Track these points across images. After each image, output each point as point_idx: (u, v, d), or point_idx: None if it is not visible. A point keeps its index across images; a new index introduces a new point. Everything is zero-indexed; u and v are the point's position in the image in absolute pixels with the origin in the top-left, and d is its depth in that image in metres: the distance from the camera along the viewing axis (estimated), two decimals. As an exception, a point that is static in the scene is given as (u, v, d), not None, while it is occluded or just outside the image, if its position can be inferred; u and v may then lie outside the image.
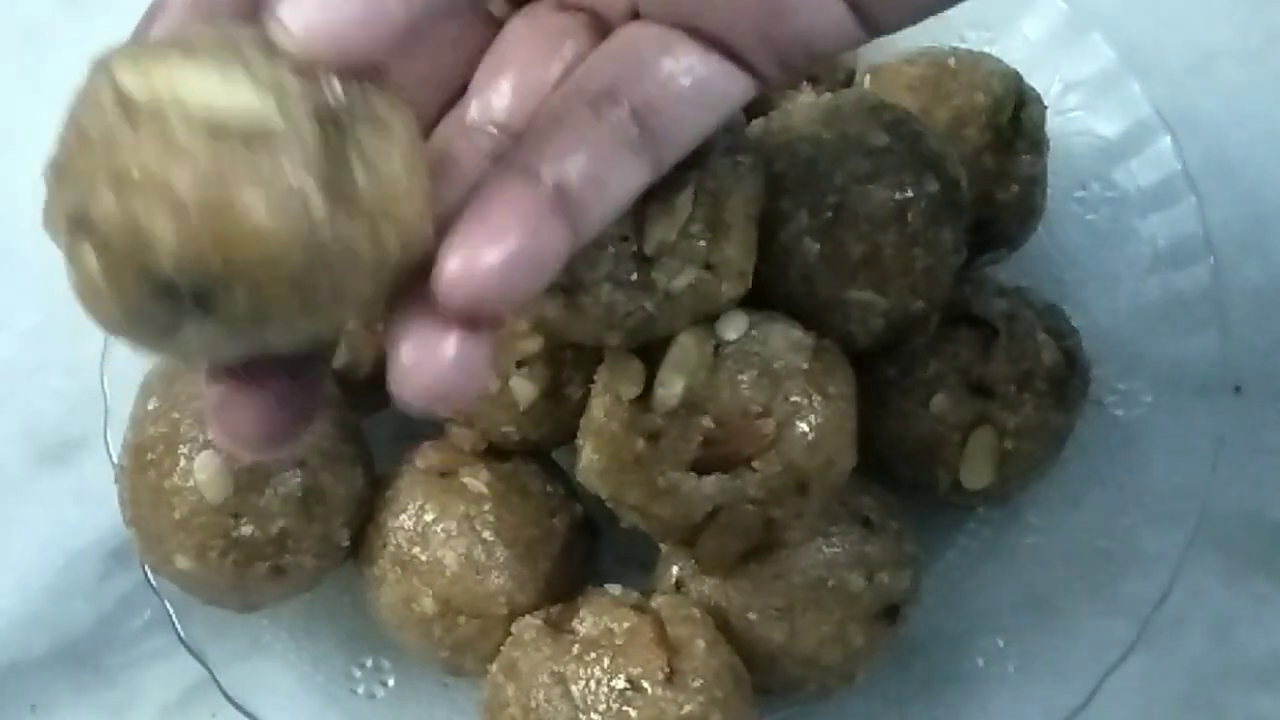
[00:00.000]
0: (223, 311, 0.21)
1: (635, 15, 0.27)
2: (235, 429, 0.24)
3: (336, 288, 0.21)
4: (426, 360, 0.22)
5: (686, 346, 0.38)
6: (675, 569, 0.43)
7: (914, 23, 0.27)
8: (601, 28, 0.27)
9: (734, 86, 0.27)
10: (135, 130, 0.21)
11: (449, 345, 0.22)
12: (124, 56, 0.21)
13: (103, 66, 0.21)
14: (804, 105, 0.44)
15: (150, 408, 0.43)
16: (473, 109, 0.27)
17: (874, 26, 0.26)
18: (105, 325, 0.22)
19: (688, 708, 0.38)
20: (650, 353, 0.39)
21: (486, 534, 0.43)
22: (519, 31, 0.28)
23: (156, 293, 0.21)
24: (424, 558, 0.43)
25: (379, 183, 0.21)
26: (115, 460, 0.45)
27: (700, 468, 0.38)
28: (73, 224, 0.21)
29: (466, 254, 0.22)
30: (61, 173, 0.22)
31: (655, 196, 0.33)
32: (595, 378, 0.40)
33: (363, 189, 0.21)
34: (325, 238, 0.21)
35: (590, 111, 0.25)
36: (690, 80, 0.26)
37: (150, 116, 0.20)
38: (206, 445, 0.41)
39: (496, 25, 0.28)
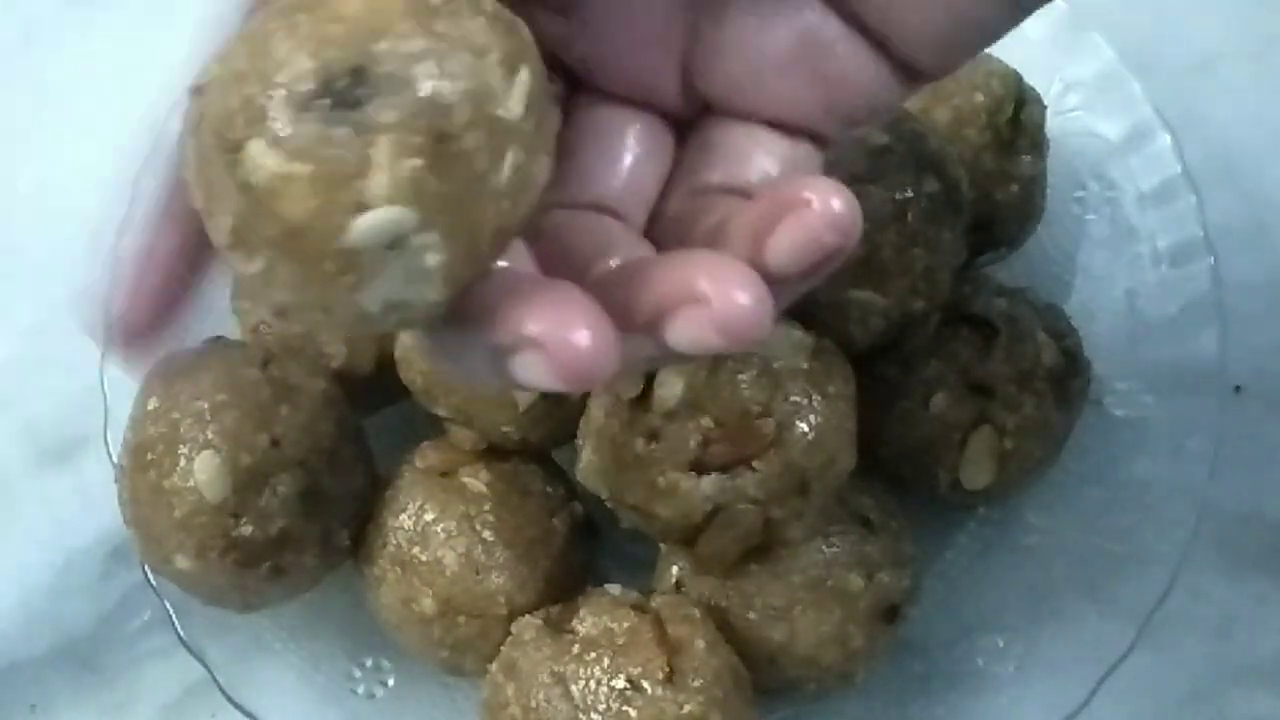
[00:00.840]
0: (383, 74, 0.21)
1: (689, 104, 0.29)
2: (571, 360, 0.22)
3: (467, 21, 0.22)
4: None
5: (686, 346, 0.38)
6: (675, 569, 0.43)
7: (951, 67, 0.28)
8: (666, 119, 0.29)
9: (815, 161, 0.28)
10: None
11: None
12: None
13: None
14: (804, 105, 0.44)
15: (150, 408, 0.43)
16: (585, 191, 0.28)
17: (915, 75, 0.27)
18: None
19: (688, 708, 0.38)
20: (650, 353, 0.38)
21: (486, 534, 0.43)
22: (606, 124, 0.29)
23: (318, 101, 0.21)
24: (424, 558, 0.43)
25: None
26: (115, 460, 0.45)
27: (700, 468, 0.38)
28: (231, 173, 0.21)
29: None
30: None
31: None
32: (595, 378, 0.40)
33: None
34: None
35: (720, 201, 0.27)
36: (785, 166, 0.28)
37: None
38: (207, 445, 0.41)
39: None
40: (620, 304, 0.23)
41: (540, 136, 0.23)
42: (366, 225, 0.21)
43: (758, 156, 0.27)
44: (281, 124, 0.21)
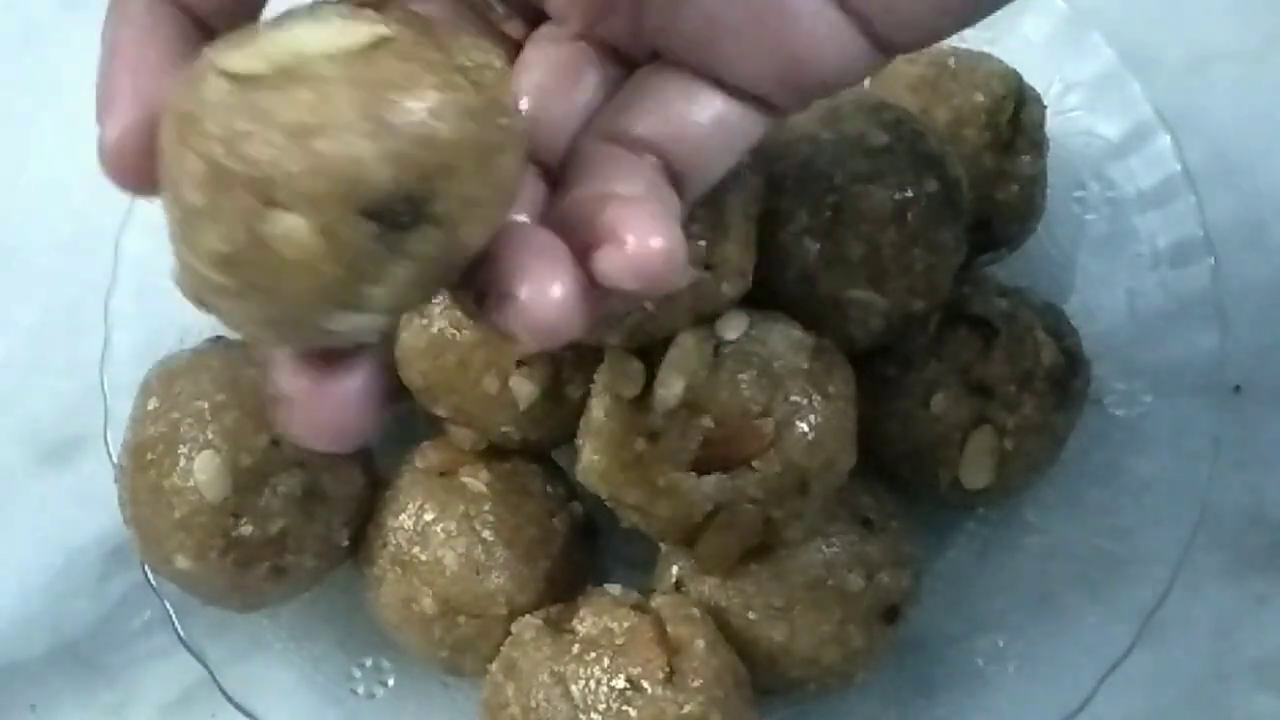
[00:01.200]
0: (438, 212, 0.21)
1: (636, 43, 0.28)
2: (320, 420, 0.24)
3: (504, 172, 0.23)
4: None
5: (686, 346, 0.38)
6: (675, 569, 0.43)
7: (929, 44, 0.27)
8: (614, 57, 0.28)
9: (756, 127, 0.28)
10: (278, 90, 0.21)
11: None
12: (218, 51, 0.22)
13: (189, 81, 0.22)
14: (804, 105, 0.44)
15: (150, 408, 0.43)
16: None
17: (890, 49, 0.26)
18: (305, 305, 0.22)
19: (688, 708, 0.38)
20: (650, 353, 0.39)
21: (486, 534, 0.43)
22: (539, 58, 0.28)
23: (374, 216, 0.21)
24: (424, 557, 0.43)
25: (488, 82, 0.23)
26: (115, 460, 0.45)
27: (700, 468, 0.38)
28: (252, 219, 0.21)
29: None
30: (210, 185, 0.21)
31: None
32: (595, 378, 0.40)
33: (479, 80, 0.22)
34: (484, 117, 0.22)
35: (630, 152, 0.26)
36: (716, 129, 0.27)
37: (280, 73, 0.21)
38: (207, 445, 0.41)
39: (513, 45, 0.28)
40: None
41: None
42: (350, 324, 0.22)
43: (686, 112, 0.27)
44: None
